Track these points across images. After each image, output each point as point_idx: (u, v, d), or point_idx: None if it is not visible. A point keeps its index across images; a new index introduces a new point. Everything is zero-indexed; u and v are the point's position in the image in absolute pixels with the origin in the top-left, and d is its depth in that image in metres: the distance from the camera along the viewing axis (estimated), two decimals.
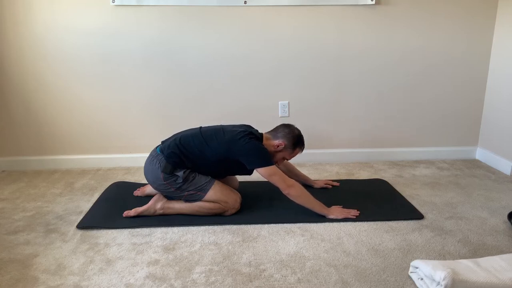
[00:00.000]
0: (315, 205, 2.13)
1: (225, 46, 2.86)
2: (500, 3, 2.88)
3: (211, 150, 2.10)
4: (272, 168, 2.07)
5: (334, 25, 2.87)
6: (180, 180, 2.08)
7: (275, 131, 2.27)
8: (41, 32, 2.76)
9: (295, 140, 2.24)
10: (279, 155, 2.24)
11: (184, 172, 2.09)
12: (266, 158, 2.09)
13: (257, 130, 2.27)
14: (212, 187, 2.11)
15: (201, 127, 2.23)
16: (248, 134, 2.12)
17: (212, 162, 2.12)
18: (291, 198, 2.10)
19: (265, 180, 2.10)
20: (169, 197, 2.18)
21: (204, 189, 2.10)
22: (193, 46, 2.85)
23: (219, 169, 2.19)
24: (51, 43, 2.78)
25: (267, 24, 2.84)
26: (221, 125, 2.25)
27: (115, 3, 2.72)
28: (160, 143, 2.25)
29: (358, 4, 2.82)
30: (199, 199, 2.11)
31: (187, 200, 2.14)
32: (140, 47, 2.83)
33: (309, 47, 2.90)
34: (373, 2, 2.82)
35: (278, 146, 2.21)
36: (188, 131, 2.24)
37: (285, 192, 2.08)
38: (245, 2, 2.77)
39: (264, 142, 2.20)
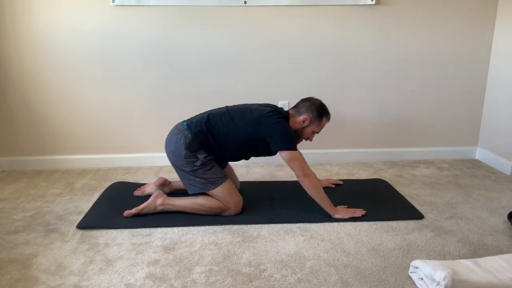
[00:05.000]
0: (324, 201, 2.12)
1: (225, 46, 2.86)
2: (500, 3, 2.88)
3: (238, 129, 2.09)
4: (295, 153, 2.06)
5: (334, 25, 2.87)
6: (198, 163, 2.07)
7: (296, 108, 2.24)
8: (41, 32, 2.75)
9: (319, 111, 2.20)
10: (308, 130, 2.20)
11: (205, 157, 2.08)
12: (291, 141, 2.08)
13: (283, 108, 2.23)
14: (223, 184, 2.11)
15: (227, 106, 2.22)
16: (276, 112, 2.11)
17: (238, 142, 2.11)
18: (304, 187, 2.08)
19: (265, 180, 2.10)
20: (181, 177, 2.16)
21: (215, 183, 2.10)
22: (193, 46, 2.85)
23: (244, 149, 2.18)
24: (51, 43, 2.78)
25: (267, 24, 2.84)
26: (247, 104, 2.23)
27: (115, 3, 2.72)
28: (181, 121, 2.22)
29: (358, 4, 2.82)
30: (206, 190, 2.10)
31: (194, 187, 2.12)
32: (140, 47, 2.83)
33: (309, 47, 2.90)
34: (373, 2, 2.81)
35: (304, 122, 2.18)
36: (215, 110, 2.22)
37: (299, 179, 2.07)
38: (245, 2, 2.77)
39: (290, 120, 2.17)
